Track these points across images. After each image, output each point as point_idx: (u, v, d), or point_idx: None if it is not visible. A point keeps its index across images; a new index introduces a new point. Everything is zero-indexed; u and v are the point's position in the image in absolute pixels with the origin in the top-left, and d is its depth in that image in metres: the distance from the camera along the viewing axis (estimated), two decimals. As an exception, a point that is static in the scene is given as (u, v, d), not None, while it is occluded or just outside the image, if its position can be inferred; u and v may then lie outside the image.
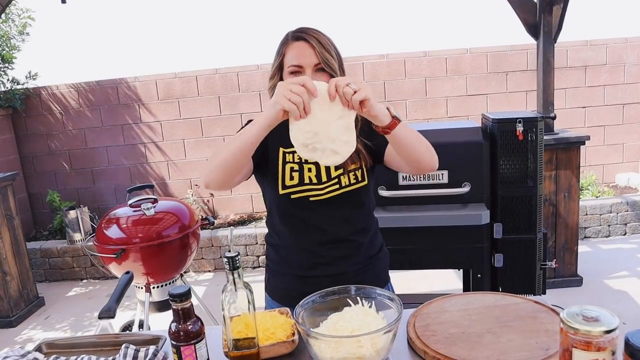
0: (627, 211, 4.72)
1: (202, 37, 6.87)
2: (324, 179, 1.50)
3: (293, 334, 1.20)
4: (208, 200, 5.49)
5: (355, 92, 1.18)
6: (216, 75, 5.30)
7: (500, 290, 2.98)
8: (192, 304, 1.08)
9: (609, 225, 4.75)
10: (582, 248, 4.01)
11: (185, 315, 1.06)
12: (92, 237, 2.99)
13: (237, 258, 1.06)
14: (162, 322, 3.09)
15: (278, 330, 1.20)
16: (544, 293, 3.05)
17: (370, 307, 1.23)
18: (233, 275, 1.06)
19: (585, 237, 4.73)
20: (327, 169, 1.51)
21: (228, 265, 1.06)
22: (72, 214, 4.81)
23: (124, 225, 2.90)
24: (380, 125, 1.28)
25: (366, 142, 1.51)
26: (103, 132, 5.41)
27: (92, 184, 5.53)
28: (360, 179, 1.53)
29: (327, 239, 1.53)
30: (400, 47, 5.44)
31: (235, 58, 5.69)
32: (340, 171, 1.51)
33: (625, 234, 4.76)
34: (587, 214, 4.69)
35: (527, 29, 3.74)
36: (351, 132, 1.24)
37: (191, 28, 7.19)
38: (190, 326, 1.07)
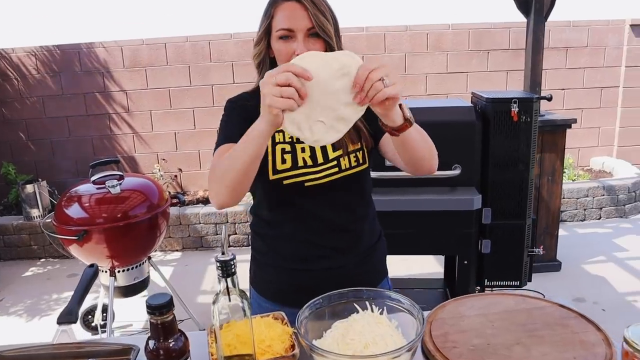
0: (603, 195, 4.70)
1: (172, 1, 6.48)
2: (320, 160, 1.32)
3: (292, 347, 1.02)
4: (176, 176, 5.23)
5: (384, 88, 0.98)
6: (186, 43, 4.98)
7: (485, 278, 2.88)
8: (174, 317, 0.87)
9: (584, 209, 4.73)
10: (559, 232, 3.97)
11: (166, 330, 0.86)
12: (51, 215, 2.75)
13: (231, 262, 0.85)
14: (127, 308, 2.90)
15: (275, 342, 1.01)
16: (530, 280, 2.96)
17: (381, 313, 1.06)
18: (227, 282, 0.86)
19: (561, 220, 4.69)
20: (324, 148, 1.32)
21: (221, 271, 0.85)
22: (29, 188, 4.48)
23: (87, 204, 2.66)
24: (391, 125, 1.09)
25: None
26: (64, 101, 5.04)
27: (52, 156, 5.17)
28: (361, 161, 1.36)
29: (325, 229, 1.35)
30: (380, 20, 5.22)
31: (207, 26, 5.35)
32: (340, 152, 1.33)
33: (600, 218, 4.74)
34: (564, 198, 4.64)
35: (518, 6, 3.59)
36: (346, 123, 1.03)
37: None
38: (172, 343, 0.87)
